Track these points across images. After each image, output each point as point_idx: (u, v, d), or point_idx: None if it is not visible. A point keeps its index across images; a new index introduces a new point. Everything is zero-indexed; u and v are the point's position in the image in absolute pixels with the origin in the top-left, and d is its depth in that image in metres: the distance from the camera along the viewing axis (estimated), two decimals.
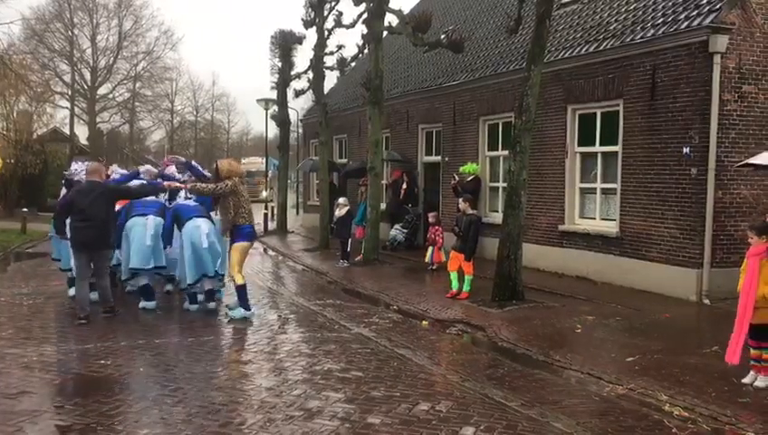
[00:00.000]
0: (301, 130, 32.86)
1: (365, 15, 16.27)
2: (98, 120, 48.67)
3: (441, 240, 13.95)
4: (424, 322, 9.53)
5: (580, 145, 12.86)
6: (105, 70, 47.88)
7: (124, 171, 11.55)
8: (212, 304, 9.78)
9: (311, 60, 20.16)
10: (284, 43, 22.84)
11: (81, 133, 47.71)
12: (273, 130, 26.78)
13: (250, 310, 9.40)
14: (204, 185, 9.41)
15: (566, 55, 12.87)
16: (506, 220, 10.45)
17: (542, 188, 13.36)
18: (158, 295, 10.25)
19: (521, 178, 10.27)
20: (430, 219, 14.39)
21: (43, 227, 21.79)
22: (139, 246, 9.37)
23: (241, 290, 9.28)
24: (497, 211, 14.75)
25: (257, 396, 6.01)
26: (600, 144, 12.38)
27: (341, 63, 20.06)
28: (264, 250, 19.31)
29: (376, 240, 15.53)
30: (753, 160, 8.70)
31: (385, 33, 16.16)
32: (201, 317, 9.33)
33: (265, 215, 25.11)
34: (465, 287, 10.82)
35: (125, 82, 50.04)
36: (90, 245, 8.78)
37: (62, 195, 10.38)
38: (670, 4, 11.26)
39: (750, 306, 6.16)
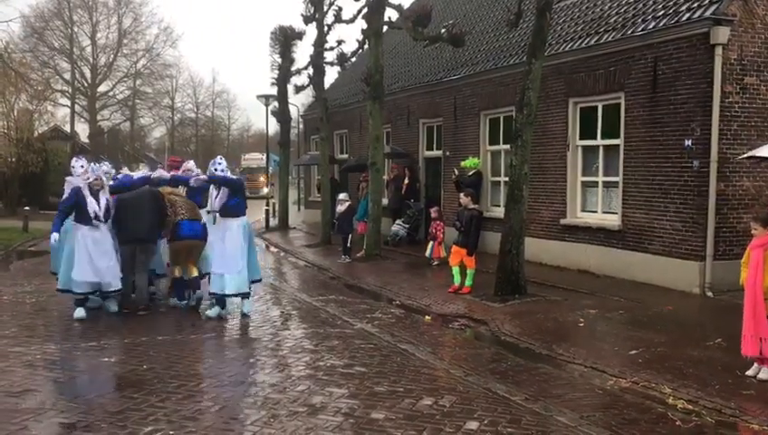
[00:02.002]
0: (301, 126, 32.85)
1: (365, 10, 16.23)
2: (98, 117, 48.73)
3: (442, 235, 13.95)
4: (427, 317, 9.54)
5: (581, 138, 12.84)
6: (105, 67, 47.90)
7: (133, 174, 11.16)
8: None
9: (311, 55, 20.12)
10: (284, 39, 22.80)
11: (82, 131, 47.83)
12: (273, 127, 26.76)
13: (182, 301, 9.77)
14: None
15: (567, 48, 12.84)
16: (508, 214, 10.44)
17: (544, 182, 13.34)
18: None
19: (522, 172, 10.26)
20: (432, 214, 14.38)
21: (45, 225, 21.81)
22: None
23: (176, 281, 9.78)
24: (499, 205, 14.74)
25: (261, 392, 6.02)
26: (602, 137, 12.36)
27: (341, 59, 19.98)
28: (266, 246, 19.31)
29: (378, 235, 15.53)
30: (758, 152, 8.66)
31: (385, 27, 16.13)
32: (203, 315, 9.32)
33: (267, 211, 25.11)
34: (468, 282, 10.81)
35: (125, 79, 50.07)
36: (137, 238, 9.22)
37: (65, 194, 10.09)
38: None
39: (760, 298, 6.14)
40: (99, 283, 8.96)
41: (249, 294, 9.29)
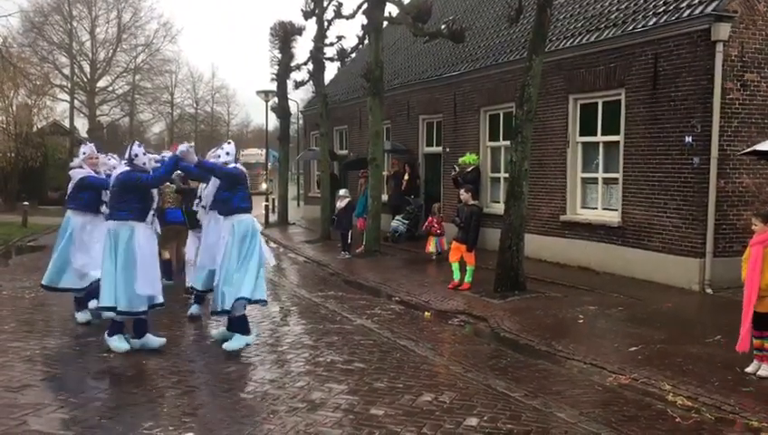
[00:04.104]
0: (301, 122, 32.80)
1: (365, 6, 16.19)
2: (98, 112, 48.60)
3: (436, 229, 14.02)
4: (426, 313, 9.53)
5: (581, 135, 12.82)
6: (104, 62, 47.76)
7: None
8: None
9: (310, 51, 20.09)
10: (284, 35, 22.75)
11: (81, 126, 47.71)
12: (273, 122, 26.73)
13: (169, 280, 10.40)
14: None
15: (567, 45, 12.81)
16: (508, 211, 10.43)
17: (544, 179, 13.33)
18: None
19: (522, 168, 10.25)
20: (433, 211, 14.45)
21: (44, 220, 21.80)
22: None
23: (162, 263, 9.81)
24: (498, 202, 14.73)
25: (261, 388, 6.01)
26: (602, 134, 12.34)
27: (341, 54, 19.95)
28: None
29: (377, 231, 15.51)
30: (760, 147, 8.65)
31: (385, 23, 16.10)
32: (203, 312, 9.30)
33: (266, 207, 25.08)
34: (467, 278, 10.81)
35: (124, 74, 49.94)
36: None
37: (70, 187, 8.71)
38: None
39: (754, 295, 6.15)
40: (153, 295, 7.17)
41: (225, 311, 7.23)
